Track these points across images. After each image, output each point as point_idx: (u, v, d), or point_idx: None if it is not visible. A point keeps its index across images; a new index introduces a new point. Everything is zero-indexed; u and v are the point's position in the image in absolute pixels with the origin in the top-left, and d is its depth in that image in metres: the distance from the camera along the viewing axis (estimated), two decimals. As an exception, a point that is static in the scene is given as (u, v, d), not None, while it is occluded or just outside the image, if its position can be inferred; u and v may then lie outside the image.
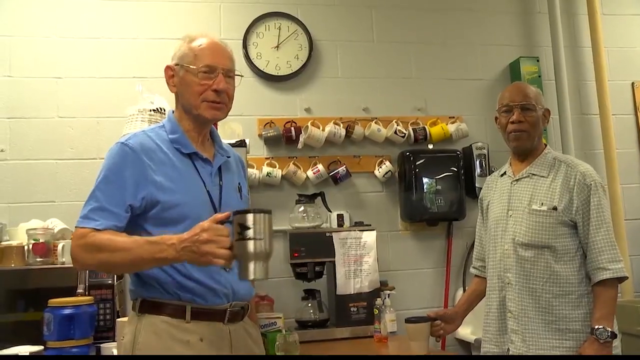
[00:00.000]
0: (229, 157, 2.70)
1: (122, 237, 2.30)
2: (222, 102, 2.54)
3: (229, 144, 2.99)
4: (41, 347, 3.13)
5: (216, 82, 2.50)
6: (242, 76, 2.69)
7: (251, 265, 2.12)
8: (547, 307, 2.92)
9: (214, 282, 2.41)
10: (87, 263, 2.37)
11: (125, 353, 2.42)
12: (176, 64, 2.57)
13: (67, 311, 3.20)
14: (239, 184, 2.71)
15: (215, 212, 2.45)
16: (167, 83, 2.60)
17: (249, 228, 2.10)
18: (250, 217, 2.11)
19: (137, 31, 4.59)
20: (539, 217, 2.97)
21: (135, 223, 2.43)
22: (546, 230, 2.95)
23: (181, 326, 2.36)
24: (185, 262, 2.24)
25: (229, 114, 2.64)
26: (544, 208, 2.97)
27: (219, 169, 2.60)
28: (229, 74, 2.57)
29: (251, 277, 2.12)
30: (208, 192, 2.50)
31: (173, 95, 2.62)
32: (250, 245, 2.09)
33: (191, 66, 2.51)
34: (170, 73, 2.59)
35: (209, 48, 2.55)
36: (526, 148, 3.13)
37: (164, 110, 3.83)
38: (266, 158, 4.63)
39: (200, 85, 2.50)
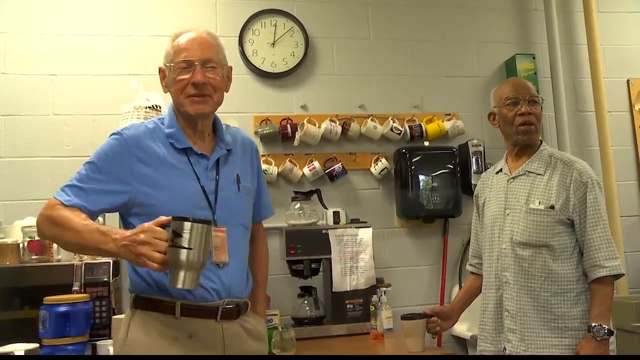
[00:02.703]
0: (229, 149, 2.67)
1: (79, 218, 2.31)
2: (205, 94, 2.52)
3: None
4: (37, 345, 3.12)
5: (193, 74, 2.49)
6: (230, 67, 2.66)
7: (180, 274, 2.10)
8: (545, 305, 2.92)
9: (203, 277, 2.37)
10: (44, 234, 2.41)
11: (119, 349, 2.43)
12: (165, 65, 2.58)
13: (62, 309, 3.20)
14: (238, 174, 2.66)
15: (210, 206, 2.48)
16: (161, 84, 2.62)
17: (180, 236, 2.08)
18: (183, 225, 2.10)
19: (132, 28, 4.58)
20: (537, 216, 2.97)
21: (123, 217, 2.46)
22: (544, 229, 2.95)
23: (171, 323, 2.37)
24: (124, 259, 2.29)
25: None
26: (542, 207, 2.97)
27: (217, 162, 2.59)
28: (208, 65, 2.53)
29: (179, 285, 2.11)
30: (202, 187, 2.49)
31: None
32: (181, 253, 2.08)
33: (171, 64, 2.52)
34: (162, 74, 2.61)
35: (187, 42, 2.54)
36: (533, 141, 3.14)
37: (160, 107, 3.83)
38: (262, 155, 4.60)
39: (180, 82, 2.50)
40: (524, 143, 3.13)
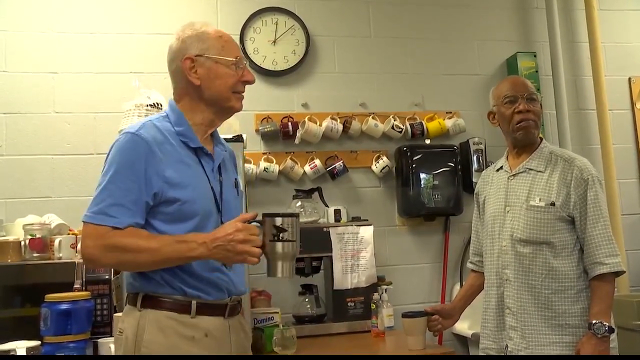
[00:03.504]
0: (226, 151, 2.67)
1: (142, 236, 2.29)
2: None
3: (226, 139, 2.97)
4: (38, 343, 3.13)
5: (246, 74, 2.54)
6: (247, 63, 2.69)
7: (279, 265, 2.30)
8: (546, 303, 2.92)
9: (216, 276, 2.40)
10: (107, 263, 2.42)
11: (127, 350, 2.36)
12: (198, 55, 2.47)
13: (64, 306, 3.20)
14: (235, 179, 2.68)
15: (218, 208, 2.46)
16: (188, 74, 2.46)
17: (285, 230, 2.28)
18: (286, 221, 2.29)
19: (133, 26, 4.59)
20: (537, 213, 2.97)
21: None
22: (544, 226, 2.95)
23: (186, 322, 2.34)
24: (217, 260, 2.31)
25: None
26: (542, 204, 2.96)
27: (219, 164, 2.58)
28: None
29: (279, 275, 2.30)
30: (212, 188, 2.47)
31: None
32: (284, 246, 2.29)
33: (226, 57, 2.48)
34: (191, 64, 2.47)
35: (230, 40, 2.55)
36: (532, 139, 3.12)
37: (161, 105, 3.83)
38: (263, 153, 4.62)
39: (234, 77, 2.50)
40: (523, 140, 3.13)
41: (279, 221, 2.28)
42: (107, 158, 2.38)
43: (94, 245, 2.25)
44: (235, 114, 2.50)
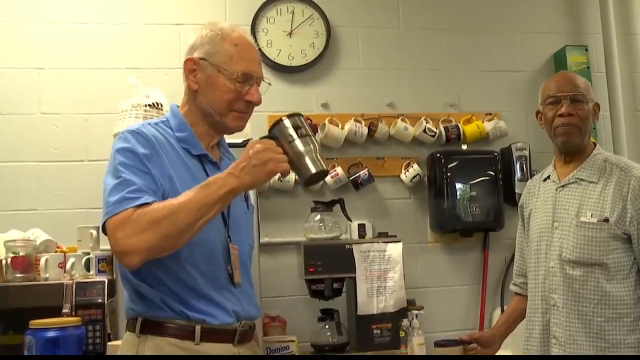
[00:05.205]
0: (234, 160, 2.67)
1: (171, 199, 2.26)
2: (249, 112, 2.56)
3: (234, 143, 2.96)
4: (21, 373, 3.13)
5: (251, 92, 2.49)
6: (269, 84, 2.64)
7: (309, 160, 2.37)
8: (598, 332, 2.89)
9: (224, 298, 2.40)
10: (148, 246, 2.21)
11: None
12: (202, 59, 2.49)
13: (51, 334, 3.19)
14: (245, 192, 2.64)
15: (225, 221, 2.47)
16: (186, 77, 2.52)
17: (300, 127, 2.38)
18: (297, 119, 2.40)
19: (130, 16, 4.59)
20: (589, 230, 2.94)
21: None
22: (597, 246, 2.92)
23: (190, 349, 2.34)
24: (250, 183, 2.28)
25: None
26: (594, 220, 2.94)
27: None
28: (259, 82, 2.56)
29: (314, 169, 2.37)
30: None
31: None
32: (309, 140, 2.38)
33: (226, 69, 2.46)
34: (193, 67, 2.51)
35: (245, 50, 2.51)
36: (575, 145, 3.10)
37: (161, 106, 3.83)
38: (277, 160, 4.60)
39: (234, 93, 2.47)
40: (564, 147, 3.12)
41: (290, 121, 2.38)
42: (108, 165, 2.37)
43: (125, 235, 2.20)
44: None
